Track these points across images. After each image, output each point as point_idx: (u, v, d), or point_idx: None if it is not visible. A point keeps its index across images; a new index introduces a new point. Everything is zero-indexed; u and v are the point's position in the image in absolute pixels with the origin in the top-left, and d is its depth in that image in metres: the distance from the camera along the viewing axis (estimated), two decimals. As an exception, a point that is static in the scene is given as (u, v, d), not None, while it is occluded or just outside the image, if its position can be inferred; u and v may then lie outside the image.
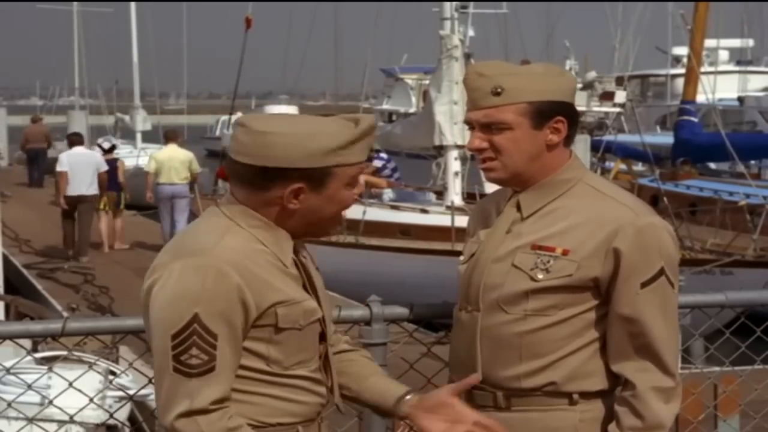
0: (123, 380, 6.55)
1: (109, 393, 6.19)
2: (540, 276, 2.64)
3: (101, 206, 16.89)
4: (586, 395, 2.67)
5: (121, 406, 5.39)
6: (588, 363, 2.66)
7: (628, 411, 2.63)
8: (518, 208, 2.74)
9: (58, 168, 16.24)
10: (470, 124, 2.74)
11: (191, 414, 2.32)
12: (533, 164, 2.70)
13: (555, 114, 2.68)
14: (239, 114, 23.49)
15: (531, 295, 2.65)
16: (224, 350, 2.34)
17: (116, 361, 7.09)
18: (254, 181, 2.42)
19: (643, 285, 2.61)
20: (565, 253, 2.63)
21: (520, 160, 2.69)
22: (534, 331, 2.65)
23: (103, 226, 17.14)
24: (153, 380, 2.41)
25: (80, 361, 6.34)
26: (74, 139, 16.79)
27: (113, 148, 18.33)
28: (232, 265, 2.35)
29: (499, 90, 2.66)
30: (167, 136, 17.39)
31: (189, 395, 2.32)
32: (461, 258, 2.83)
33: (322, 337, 2.53)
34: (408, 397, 2.63)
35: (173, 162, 16.40)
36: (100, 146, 18.13)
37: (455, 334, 2.80)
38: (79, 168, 15.94)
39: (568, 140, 2.73)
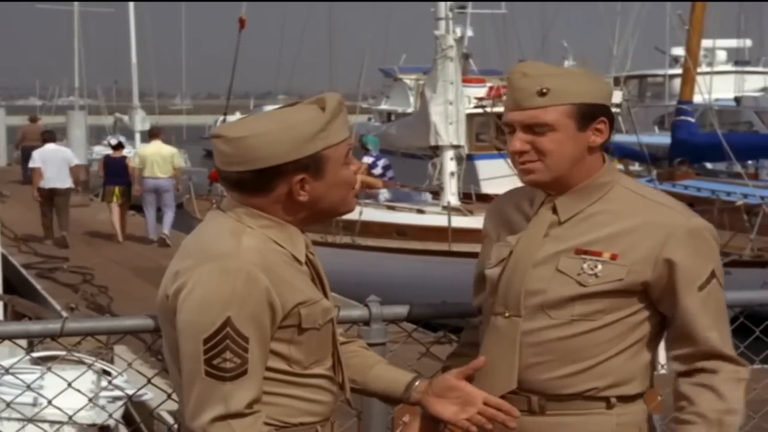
0: (117, 380, 6.54)
1: (102, 393, 6.18)
2: (589, 281, 2.60)
3: (113, 199, 17.84)
4: (623, 398, 2.65)
5: (120, 407, 5.36)
6: (628, 366, 2.64)
7: (709, 394, 2.61)
8: (554, 211, 2.68)
9: (31, 164, 17.89)
10: (510, 125, 2.66)
11: (226, 418, 2.32)
12: (575, 167, 2.64)
13: (598, 115, 2.64)
14: (237, 114, 23.43)
15: (578, 300, 2.60)
16: (255, 352, 2.34)
17: (111, 361, 7.08)
18: (255, 185, 2.42)
19: (700, 289, 2.60)
20: (613, 257, 2.60)
21: (564, 163, 2.63)
22: (578, 336, 2.61)
23: (114, 218, 18.06)
24: (179, 383, 2.39)
25: (73, 361, 6.32)
26: (47, 137, 18.37)
27: (120, 145, 19.32)
28: (260, 267, 2.35)
29: (544, 90, 2.60)
30: (151, 132, 18.75)
31: (223, 399, 2.32)
32: (489, 261, 2.75)
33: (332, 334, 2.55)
34: (417, 383, 2.65)
35: (156, 157, 17.60)
36: (108, 143, 19.35)
37: (489, 341, 2.72)
38: (50, 162, 17.36)
39: (606, 143, 2.70)
